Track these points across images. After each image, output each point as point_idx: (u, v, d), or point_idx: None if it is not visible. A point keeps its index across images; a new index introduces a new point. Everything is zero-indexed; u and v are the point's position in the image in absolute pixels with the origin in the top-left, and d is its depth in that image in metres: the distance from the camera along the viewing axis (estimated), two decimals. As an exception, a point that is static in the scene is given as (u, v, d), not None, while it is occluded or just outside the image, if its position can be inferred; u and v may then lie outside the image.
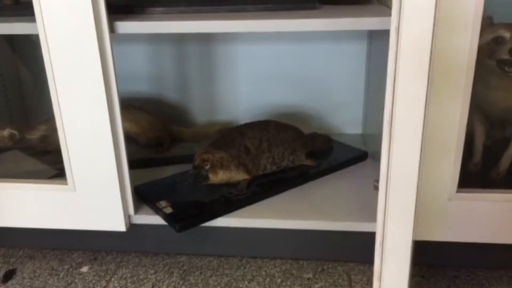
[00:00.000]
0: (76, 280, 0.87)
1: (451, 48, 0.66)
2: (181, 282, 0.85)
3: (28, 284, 0.86)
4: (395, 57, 0.41)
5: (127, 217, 0.87)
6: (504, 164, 0.88)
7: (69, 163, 0.83)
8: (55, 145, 0.83)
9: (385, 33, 0.74)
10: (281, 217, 0.85)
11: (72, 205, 0.86)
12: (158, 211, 0.86)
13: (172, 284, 0.84)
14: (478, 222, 0.77)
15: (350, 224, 0.84)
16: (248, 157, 0.92)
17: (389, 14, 0.72)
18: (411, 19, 0.56)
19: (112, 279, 0.87)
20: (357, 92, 1.23)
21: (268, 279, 0.85)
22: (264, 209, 0.88)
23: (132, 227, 0.87)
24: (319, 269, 0.87)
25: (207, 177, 0.87)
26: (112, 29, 0.77)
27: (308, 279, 0.85)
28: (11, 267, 0.91)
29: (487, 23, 0.80)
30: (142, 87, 1.28)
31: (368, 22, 0.74)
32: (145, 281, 0.86)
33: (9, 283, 0.87)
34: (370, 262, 0.88)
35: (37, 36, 0.75)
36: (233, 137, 0.94)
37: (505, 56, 0.78)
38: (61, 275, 0.88)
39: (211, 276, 0.86)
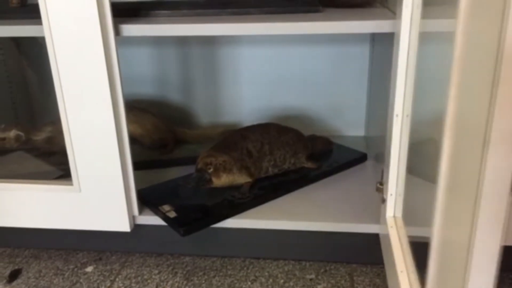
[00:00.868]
0: (81, 280, 0.87)
1: None
2: (184, 282, 0.85)
3: (34, 283, 0.87)
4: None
5: (132, 217, 0.87)
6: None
7: (75, 164, 0.84)
8: (61, 146, 0.84)
9: (388, 36, 0.75)
10: (283, 219, 0.86)
11: (77, 205, 0.87)
12: (161, 215, 0.86)
13: (176, 284, 0.85)
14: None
15: (352, 226, 0.84)
16: (250, 160, 0.93)
17: (392, 17, 0.73)
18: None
19: (117, 279, 0.87)
20: (360, 94, 1.24)
21: (271, 280, 0.85)
22: (267, 210, 0.89)
23: (136, 227, 0.88)
24: (322, 270, 0.88)
25: (210, 181, 0.88)
26: (117, 32, 0.78)
27: (311, 280, 0.85)
28: (16, 267, 0.92)
29: None
30: (146, 89, 1.29)
31: (371, 25, 0.74)
32: (149, 281, 0.86)
33: (14, 282, 0.88)
34: (373, 263, 0.88)
35: (43, 38, 0.76)
36: (235, 140, 0.94)
37: None
38: (66, 275, 0.89)
39: (214, 277, 0.87)
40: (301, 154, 1.00)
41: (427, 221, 0.72)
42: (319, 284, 0.84)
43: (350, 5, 0.90)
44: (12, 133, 1.06)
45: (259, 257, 0.92)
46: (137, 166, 1.09)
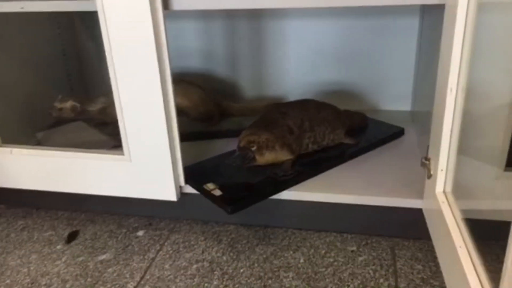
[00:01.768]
0: (133, 243, 0.93)
1: None
2: (229, 249, 0.89)
3: (90, 245, 0.94)
4: None
5: (178, 187, 0.91)
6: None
7: (125, 135, 0.88)
8: (114, 117, 0.88)
9: (439, 8, 0.72)
10: (325, 191, 0.87)
11: (128, 174, 0.91)
12: (206, 193, 0.87)
13: (221, 250, 0.89)
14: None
15: (394, 200, 0.85)
16: (291, 137, 0.92)
17: (443, -11, 0.71)
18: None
19: (166, 243, 0.92)
20: (407, 68, 1.21)
21: (312, 250, 0.88)
22: (309, 183, 0.91)
23: (183, 196, 0.92)
24: (363, 242, 0.89)
25: (254, 159, 0.88)
26: (167, 6, 0.80)
27: (352, 251, 0.87)
28: (74, 229, 0.99)
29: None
30: (193, 63, 1.32)
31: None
32: (195, 246, 0.91)
33: (72, 243, 0.95)
34: (415, 237, 0.89)
35: (96, 12, 0.80)
36: (275, 118, 0.94)
37: None
38: (119, 238, 0.95)
39: (257, 245, 0.90)
40: (340, 130, 1.00)
41: (484, 197, 0.71)
42: (360, 256, 0.85)
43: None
44: (69, 104, 1.12)
45: (301, 228, 0.94)
46: (183, 137, 1.13)
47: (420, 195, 0.83)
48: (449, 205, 0.69)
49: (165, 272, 0.84)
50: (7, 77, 1.08)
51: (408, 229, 0.88)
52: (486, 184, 0.75)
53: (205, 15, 1.26)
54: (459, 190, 0.70)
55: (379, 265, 0.83)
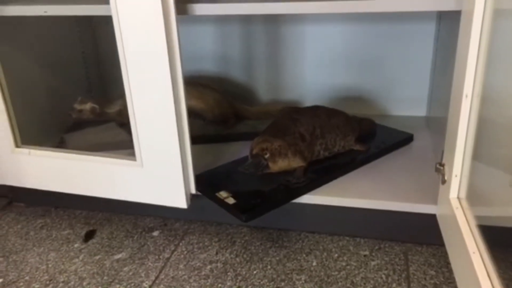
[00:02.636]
0: (148, 243, 0.95)
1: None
2: (242, 251, 0.90)
3: (107, 243, 0.96)
4: None
5: (189, 195, 0.90)
6: None
7: (138, 140, 0.88)
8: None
9: (456, 14, 0.73)
10: (339, 195, 0.88)
11: (140, 180, 0.91)
12: (219, 201, 0.86)
13: (235, 252, 0.90)
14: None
15: (409, 205, 0.85)
16: (303, 144, 0.92)
17: (460, -5, 0.71)
18: None
19: (180, 243, 0.94)
20: (423, 74, 1.21)
21: (325, 254, 0.88)
22: (323, 187, 0.91)
23: (197, 198, 0.93)
24: (376, 247, 0.89)
25: (267, 166, 0.87)
26: (184, 11, 0.82)
27: (365, 256, 0.87)
28: (91, 228, 1.01)
29: None
30: (210, 66, 1.33)
31: (440, 3, 0.73)
32: (209, 247, 0.92)
33: (90, 242, 0.97)
34: (428, 243, 0.89)
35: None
36: (287, 124, 0.93)
37: None
38: (135, 237, 0.97)
39: (270, 247, 0.91)
40: (350, 136, 0.99)
41: (498, 204, 0.70)
42: (373, 260, 0.86)
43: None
44: (88, 106, 1.14)
45: (314, 232, 0.95)
46: (198, 140, 1.15)
47: (434, 200, 0.83)
48: (463, 211, 0.69)
49: (180, 272, 0.86)
50: (28, 79, 1.11)
51: (421, 234, 0.88)
52: (501, 191, 0.74)
53: (222, 19, 1.27)
54: (474, 196, 0.70)
55: (392, 269, 0.83)
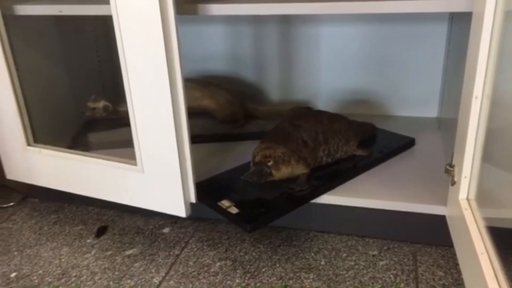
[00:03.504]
0: (159, 239, 0.96)
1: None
2: (251, 249, 0.91)
3: (118, 239, 0.97)
4: None
5: (188, 204, 0.88)
6: None
7: (138, 145, 0.86)
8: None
9: (468, 15, 0.73)
10: (348, 195, 0.88)
11: (140, 185, 0.90)
12: (221, 211, 0.84)
13: (244, 249, 0.91)
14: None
15: (418, 206, 0.85)
16: (306, 150, 0.90)
17: (471, -4, 0.71)
18: None
19: (190, 241, 0.95)
20: (435, 75, 1.20)
21: (333, 253, 0.89)
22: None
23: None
24: (385, 247, 0.89)
25: (270, 174, 0.85)
26: (196, 11, 0.82)
27: (373, 256, 0.87)
28: (103, 224, 1.03)
29: None
30: (220, 66, 1.35)
31: (451, 4, 0.73)
32: (219, 245, 0.93)
33: (102, 237, 0.98)
34: (437, 244, 0.89)
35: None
36: (288, 131, 0.91)
37: None
38: (146, 234, 0.98)
39: (279, 246, 0.92)
40: (353, 142, 0.98)
41: (507, 206, 0.70)
42: (382, 260, 0.86)
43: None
44: (101, 104, 1.16)
45: (323, 231, 0.95)
46: (209, 139, 1.16)
47: (443, 201, 0.83)
48: (472, 212, 0.69)
49: (189, 269, 0.87)
50: (44, 78, 1.13)
51: (430, 235, 0.88)
52: (510, 193, 0.74)
53: (234, 19, 1.28)
54: (483, 197, 0.70)
55: (400, 270, 0.83)
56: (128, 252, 0.93)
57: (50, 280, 0.86)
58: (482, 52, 0.63)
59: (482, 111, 0.66)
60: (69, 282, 0.85)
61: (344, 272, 0.84)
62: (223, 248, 0.92)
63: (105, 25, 1.36)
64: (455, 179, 0.75)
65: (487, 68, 0.64)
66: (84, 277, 0.86)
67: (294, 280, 0.82)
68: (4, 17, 0.93)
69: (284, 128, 0.93)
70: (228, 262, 0.88)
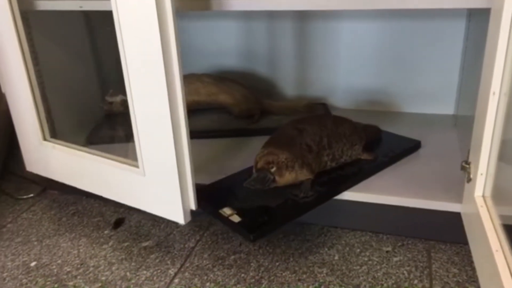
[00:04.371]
0: (175, 232, 0.98)
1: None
2: (265, 243, 0.92)
3: (135, 231, 0.99)
4: None
5: (188, 211, 0.86)
6: None
7: (139, 147, 0.85)
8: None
9: (486, 12, 0.72)
10: (363, 191, 0.89)
11: (142, 188, 0.90)
12: (223, 219, 0.81)
13: (258, 243, 0.92)
14: None
15: (433, 203, 0.85)
16: (310, 155, 0.87)
17: (490, -7, 0.70)
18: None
19: (205, 234, 0.96)
20: (452, 72, 1.20)
21: (347, 248, 0.89)
22: (348, 182, 0.92)
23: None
24: (399, 243, 0.90)
25: (273, 180, 0.83)
26: (208, 6, 0.83)
27: (387, 252, 0.88)
28: (120, 216, 1.05)
29: None
30: (235, 61, 1.35)
31: (470, 0, 0.73)
32: (233, 238, 0.94)
33: (119, 229, 1.00)
34: (452, 241, 0.88)
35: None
36: (292, 135, 0.89)
37: None
38: (161, 227, 1.00)
39: (293, 240, 0.92)
40: (358, 145, 0.95)
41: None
42: (395, 256, 0.86)
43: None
44: (119, 98, 1.18)
45: (337, 226, 0.95)
46: (224, 133, 1.17)
47: (459, 199, 0.83)
48: (488, 210, 0.69)
49: (204, 261, 0.88)
50: (64, 73, 1.15)
51: (445, 232, 0.88)
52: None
53: (248, 15, 1.29)
54: (499, 195, 0.70)
55: (414, 266, 0.83)
56: (144, 244, 0.94)
57: (68, 269, 0.88)
58: (500, 47, 0.63)
59: (499, 108, 0.66)
60: (87, 272, 0.87)
61: (358, 267, 0.84)
62: (237, 241, 0.93)
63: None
64: (471, 176, 0.75)
65: (505, 64, 0.63)
66: (102, 267, 0.88)
67: (307, 274, 0.83)
68: (25, 12, 0.96)
69: (287, 132, 0.90)
70: (242, 256, 0.89)
